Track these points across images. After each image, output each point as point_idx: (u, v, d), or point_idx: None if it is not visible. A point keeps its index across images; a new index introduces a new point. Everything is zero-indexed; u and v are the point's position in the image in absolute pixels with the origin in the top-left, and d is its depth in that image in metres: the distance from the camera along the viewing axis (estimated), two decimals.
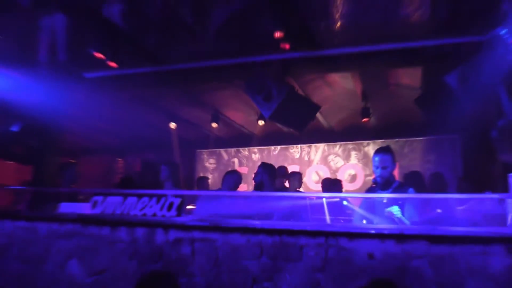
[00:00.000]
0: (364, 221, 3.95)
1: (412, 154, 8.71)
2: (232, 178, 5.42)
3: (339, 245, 3.16)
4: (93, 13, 5.11)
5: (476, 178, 7.55)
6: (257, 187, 5.32)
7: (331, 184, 7.03)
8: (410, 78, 6.13)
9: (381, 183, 3.92)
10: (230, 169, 5.90)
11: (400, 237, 3.00)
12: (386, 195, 3.85)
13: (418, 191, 4.11)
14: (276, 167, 5.70)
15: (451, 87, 4.43)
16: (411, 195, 3.77)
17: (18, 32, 6.12)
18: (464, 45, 4.58)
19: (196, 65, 5.69)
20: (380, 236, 3.05)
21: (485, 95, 4.28)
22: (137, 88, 6.66)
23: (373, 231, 3.10)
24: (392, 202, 3.71)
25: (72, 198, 5.49)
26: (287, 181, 6.47)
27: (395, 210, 3.61)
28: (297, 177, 6.49)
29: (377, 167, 3.95)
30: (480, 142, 7.47)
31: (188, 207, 5.72)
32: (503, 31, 3.75)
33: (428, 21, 5.72)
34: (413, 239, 2.97)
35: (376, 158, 3.98)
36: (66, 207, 4.41)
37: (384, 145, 8.56)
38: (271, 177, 5.32)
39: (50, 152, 6.49)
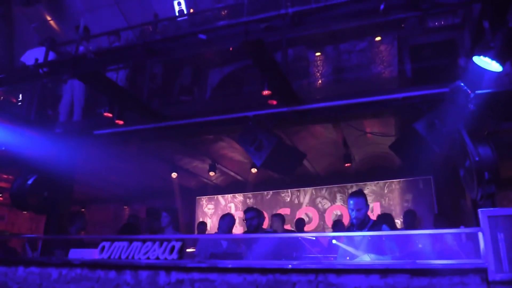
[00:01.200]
0: (348, 258, 3.90)
1: (391, 194, 8.69)
2: (225, 222, 5.45)
3: (328, 281, 3.10)
4: (102, 77, 5.22)
5: (450, 214, 7.52)
6: (255, 229, 5.39)
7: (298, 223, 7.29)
8: (384, 126, 6.22)
9: (357, 224, 3.96)
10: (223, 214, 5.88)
11: (383, 272, 2.95)
12: (363, 233, 3.84)
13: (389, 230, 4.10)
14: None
15: (420, 133, 4.49)
16: (385, 232, 3.75)
17: (35, 96, 6.22)
18: (429, 95, 4.69)
19: (194, 121, 5.75)
20: (365, 271, 3.00)
21: (451, 139, 4.33)
22: (141, 143, 6.69)
23: (358, 267, 3.05)
24: (370, 240, 3.70)
25: (81, 244, 5.40)
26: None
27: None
28: (278, 218, 6.50)
29: (352, 210, 4.00)
30: (451, 181, 7.50)
31: (188, 250, 5.63)
32: (461, 84, 3.85)
33: (396, 77, 5.91)
34: (395, 273, 2.92)
35: (351, 202, 4.04)
36: (75, 253, 4.33)
37: (365, 187, 8.73)
38: (262, 220, 5.36)
39: (62, 202, 6.42)
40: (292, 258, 4.96)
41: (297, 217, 8.75)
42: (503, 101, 4.11)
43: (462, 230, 3.80)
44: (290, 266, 3.22)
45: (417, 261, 3.00)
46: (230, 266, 3.38)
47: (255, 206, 9.52)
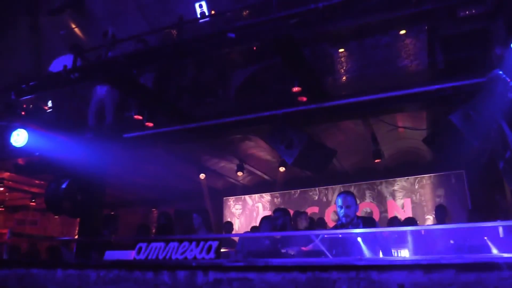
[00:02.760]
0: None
1: (422, 190, 8.51)
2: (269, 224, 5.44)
3: (369, 278, 3.03)
4: (131, 81, 5.28)
5: (485, 209, 7.31)
6: (282, 228, 5.36)
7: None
8: (415, 120, 6.10)
9: (346, 223, 3.87)
10: (265, 215, 5.90)
11: (427, 267, 2.86)
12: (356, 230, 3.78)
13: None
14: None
15: (456, 125, 4.36)
16: (398, 228, 3.68)
17: (67, 102, 6.33)
18: (463, 86, 4.56)
19: (221, 121, 5.75)
20: (408, 267, 2.92)
21: (488, 131, 4.20)
22: (169, 144, 6.74)
23: (401, 263, 2.98)
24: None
25: (115, 246, 5.46)
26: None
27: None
28: (303, 217, 6.45)
29: (341, 207, 3.96)
30: (485, 175, 7.30)
31: (224, 249, 5.64)
32: (501, 72, 3.73)
33: (425, 70, 5.77)
34: (440, 268, 2.83)
35: (339, 199, 4.00)
36: (111, 255, 4.36)
37: (395, 183, 8.58)
38: (289, 218, 5.44)
39: (94, 205, 6.51)
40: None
41: (327, 215, 8.67)
42: None
43: (507, 222, 3.67)
44: (329, 263, 3.17)
45: (464, 255, 2.90)
46: (268, 264, 3.34)
47: (282, 206, 9.56)
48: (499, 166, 4.33)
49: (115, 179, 8.75)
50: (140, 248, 3.89)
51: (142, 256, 3.86)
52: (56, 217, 11.04)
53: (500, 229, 5.04)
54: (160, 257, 3.76)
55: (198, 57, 5.63)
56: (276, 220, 5.41)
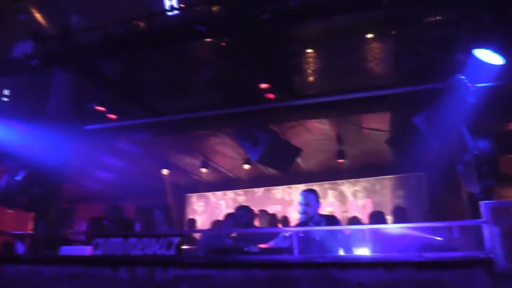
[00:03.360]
0: None
1: (383, 191, 8.70)
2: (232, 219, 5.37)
3: (330, 276, 3.04)
4: (94, 71, 5.09)
5: (442, 211, 7.55)
6: (245, 227, 5.28)
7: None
8: (380, 122, 6.20)
9: (305, 220, 3.90)
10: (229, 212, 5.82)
11: (388, 265, 2.89)
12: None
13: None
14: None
15: (418, 127, 4.46)
16: (356, 226, 3.73)
17: (25, 90, 6.04)
18: (428, 90, 4.66)
19: (189, 116, 5.66)
20: (369, 265, 2.94)
21: (449, 134, 4.31)
22: (132, 139, 6.56)
23: (362, 261, 3.00)
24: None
25: (71, 242, 5.25)
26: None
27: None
28: (263, 215, 6.47)
29: (301, 204, 3.98)
30: (443, 178, 7.52)
31: (186, 246, 5.54)
32: (462, 77, 3.84)
33: (392, 72, 5.87)
34: (400, 267, 2.87)
35: (300, 197, 4.03)
36: (67, 250, 4.19)
37: (357, 183, 8.72)
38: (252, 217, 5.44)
39: (51, 200, 6.24)
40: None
41: (289, 213, 8.69)
42: (503, 95, 4.11)
43: (468, 222, 3.78)
44: (291, 261, 3.15)
45: (423, 254, 2.96)
46: (229, 261, 3.30)
47: (245, 204, 9.51)
48: (457, 169, 4.46)
49: (75, 172, 8.45)
50: (97, 244, 3.74)
51: (98, 252, 3.71)
52: (11, 211, 10.54)
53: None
54: (118, 253, 3.63)
55: (166, 49, 5.50)
56: (239, 218, 5.35)
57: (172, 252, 3.43)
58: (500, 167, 3.83)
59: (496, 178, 3.80)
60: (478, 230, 3.03)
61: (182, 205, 10.30)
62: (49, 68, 5.33)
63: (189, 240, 5.83)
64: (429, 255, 2.89)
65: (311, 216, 3.93)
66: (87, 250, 3.95)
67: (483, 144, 3.88)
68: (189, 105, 6.04)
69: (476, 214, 3.89)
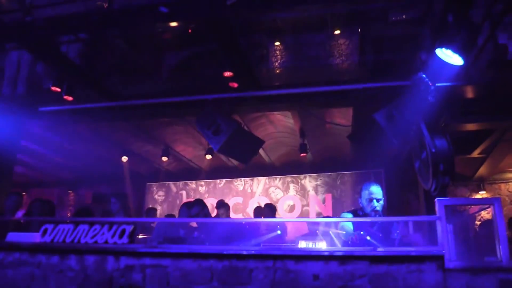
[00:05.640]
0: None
1: (343, 186, 8.82)
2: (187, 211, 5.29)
3: (286, 268, 3.02)
4: (52, 49, 4.83)
5: (398, 207, 7.74)
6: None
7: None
8: (342, 117, 6.25)
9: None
10: (186, 201, 5.74)
11: (342, 258, 2.90)
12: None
13: None
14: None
15: (379, 123, 4.50)
16: (366, 218, 3.69)
17: None
18: (389, 87, 4.72)
19: (151, 102, 5.49)
20: (324, 258, 2.94)
21: (408, 131, 4.37)
22: (91, 123, 6.32)
23: (317, 254, 2.99)
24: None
25: (20, 228, 5.00)
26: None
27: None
28: (224, 207, 6.45)
29: (370, 200, 3.71)
30: (401, 175, 7.72)
31: (141, 236, 5.41)
32: (424, 75, 3.89)
33: (356, 68, 5.93)
34: (354, 260, 2.88)
35: (373, 189, 3.74)
36: (13, 237, 3.96)
37: (318, 178, 8.79)
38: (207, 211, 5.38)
39: (1, 184, 5.93)
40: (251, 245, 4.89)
41: (250, 206, 8.70)
42: (462, 95, 4.20)
43: (422, 218, 3.85)
44: (247, 252, 3.11)
45: (378, 249, 2.98)
46: (184, 251, 3.22)
47: (206, 195, 9.46)
48: (415, 166, 4.54)
49: (28, 156, 8.09)
50: (46, 230, 3.56)
51: (47, 239, 3.53)
52: None
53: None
54: (68, 240, 3.46)
55: (128, 30, 5.30)
56: (192, 212, 5.27)
57: (124, 240, 3.30)
58: (455, 166, 3.92)
59: (451, 177, 3.88)
60: (432, 227, 3.09)
61: (142, 194, 10.08)
62: (4, 43, 5.01)
63: (146, 229, 5.69)
64: (383, 250, 2.92)
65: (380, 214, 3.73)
66: (35, 237, 3.75)
67: (441, 143, 3.95)
68: (151, 91, 5.87)
69: (431, 211, 3.98)
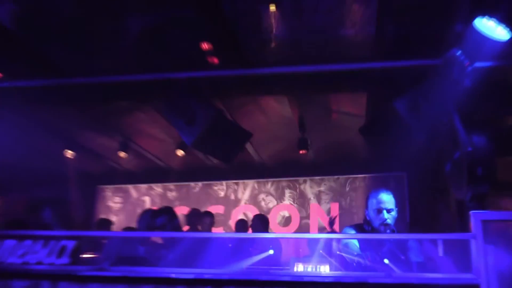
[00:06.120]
0: None
1: (354, 193, 8.87)
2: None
3: None
4: None
5: (423, 222, 7.79)
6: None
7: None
8: (354, 105, 6.27)
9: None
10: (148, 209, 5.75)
11: (350, 286, 2.92)
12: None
13: None
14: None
15: (400, 114, 4.52)
16: (375, 235, 3.72)
17: None
18: (414, 68, 4.72)
19: (104, 80, 5.44)
20: (328, 285, 2.95)
21: (437, 124, 4.40)
22: (28, 105, 6.26)
23: (318, 279, 3.00)
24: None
25: None
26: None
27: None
28: (207, 219, 6.45)
29: (379, 211, 3.78)
30: (429, 181, 7.76)
31: (86, 255, 5.39)
32: (458, 53, 3.90)
33: (374, 42, 5.93)
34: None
35: (388, 196, 3.83)
36: None
37: (322, 182, 8.82)
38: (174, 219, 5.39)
39: None
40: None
41: (233, 217, 8.69)
42: (507, 78, 4.23)
43: (451, 236, 3.87)
44: (228, 276, 3.11)
45: (393, 274, 2.99)
46: (144, 275, 3.21)
47: (177, 202, 9.44)
48: (445, 169, 4.57)
49: None
50: None
51: None
52: None
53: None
54: None
55: None
56: (157, 223, 5.27)
57: (64, 260, 3.29)
58: (497, 170, 3.94)
59: (491, 183, 3.91)
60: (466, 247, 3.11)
61: (92, 200, 10.07)
62: None
63: (96, 247, 5.67)
64: (405, 276, 2.94)
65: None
66: None
67: (479, 140, 3.98)
68: (105, 66, 5.82)
69: (465, 227, 4.00)
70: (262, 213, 9.06)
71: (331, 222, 7.31)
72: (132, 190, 10.10)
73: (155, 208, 5.98)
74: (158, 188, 9.98)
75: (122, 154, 8.08)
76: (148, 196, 9.99)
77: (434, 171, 7.17)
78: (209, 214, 7.21)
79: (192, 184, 9.79)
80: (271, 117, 6.99)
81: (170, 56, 5.85)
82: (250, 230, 7.00)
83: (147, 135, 7.90)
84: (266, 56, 5.86)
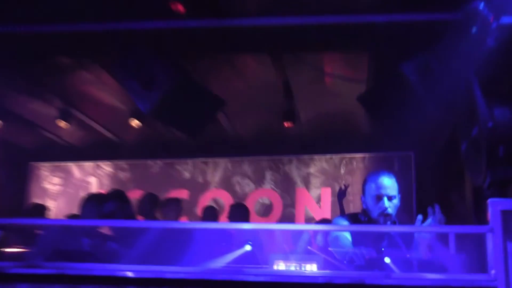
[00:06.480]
0: None
1: (350, 176, 8.95)
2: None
3: None
4: None
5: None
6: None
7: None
8: (353, 67, 6.30)
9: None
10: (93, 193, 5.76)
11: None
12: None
13: None
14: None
15: (408, 80, 4.57)
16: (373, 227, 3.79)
17: None
18: (426, 23, 4.76)
19: (39, 29, 5.38)
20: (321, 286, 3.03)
21: (454, 93, 4.45)
22: None
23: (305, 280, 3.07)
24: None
25: None
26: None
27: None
28: (173, 207, 6.48)
29: (379, 198, 3.86)
30: (441, 163, 7.88)
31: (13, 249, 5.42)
32: (481, 5, 3.93)
33: None
34: None
35: (382, 181, 3.90)
36: None
37: (312, 162, 8.89)
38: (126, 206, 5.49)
39: None
40: None
41: (200, 204, 8.74)
42: None
43: (462, 228, 3.97)
44: (192, 276, 3.16)
45: (392, 274, 3.07)
46: (88, 273, 3.24)
47: (131, 183, 9.45)
48: (461, 148, 4.64)
49: None
50: None
51: None
52: None
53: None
54: None
55: None
56: (105, 210, 5.31)
57: None
58: None
59: None
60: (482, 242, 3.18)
61: (23, 180, 10.06)
62: None
63: (28, 239, 5.70)
64: (399, 276, 3.02)
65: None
66: None
67: (502, 114, 4.02)
68: (41, 11, 5.76)
69: (482, 218, 4.10)
70: (237, 199, 9.14)
71: (341, 194, 7.32)
72: (75, 169, 10.09)
73: (103, 191, 5.96)
74: (107, 167, 9.98)
75: (62, 123, 8.05)
76: (95, 177, 9.99)
77: (447, 151, 7.27)
78: (174, 201, 7.20)
79: (149, 162, 9.81)
80: (249, 81, 7.00)
81: (123, 0, 5.82)
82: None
83: (94, 100, 7.86)
84: (245, 4, 5.86)
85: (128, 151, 9.57)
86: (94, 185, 9.90)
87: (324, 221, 7.35)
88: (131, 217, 5.53)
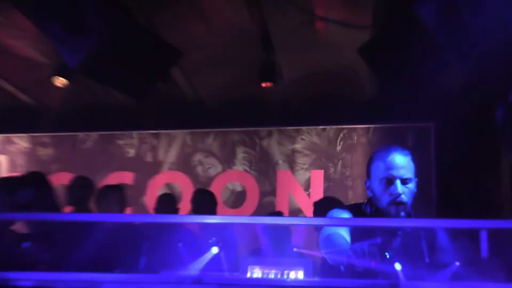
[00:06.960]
0: None
1: (350, 154, 9.00)
2: None
3: None
4: None
5: (459, 200, 7.98)
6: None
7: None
8: (352, 9, 6.33)
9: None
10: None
11: None
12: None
13: None
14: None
15: (425, 26, 4.61)
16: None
17: None
18: None
19: None
20: None
21: (484, 47, 4.51)
22: None
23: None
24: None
25: None
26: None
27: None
28: (113, 196, 6.52)
29: (390, 181, 3.78)
30: (470, 137, 7.97)
31: None
32: None
33: None
34: None
35: (394, 159, 3.82)
36: None
37: (298, 136, 8.97)
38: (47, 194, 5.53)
39: None
40: None
41: (150, 191, 8.80)
42: None
43: (500, 223, 4.04)
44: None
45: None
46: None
47: (55, 163, 9.47)
48: (496, 118, 4.71)
49: None
50: None
51: None
52: None
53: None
54: None
55: None
56: (18, 199, 5.33)
57: None
58: None
59: None
60: None
61: None
62: None
63: None
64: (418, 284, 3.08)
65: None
66: None
67: None
68: None
69: None
70: (199, 185, 9.18)
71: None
72: None
73: (16, 174, 5.97)
74: (22, 141, 9.98)
75: None
76: (5, 154, 10.00)
77: (477, 121, 7.36)
78: (115, 188, 7.19)
79: (80, 135, 9.80)
80: (216, 27, 7.01)
81: None
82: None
83: (5, 51, 7.84)
84: None
85: (51, 120, 9.56)
86: (4, 166, 9.91)
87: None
88: (55, 208, 5.54)
